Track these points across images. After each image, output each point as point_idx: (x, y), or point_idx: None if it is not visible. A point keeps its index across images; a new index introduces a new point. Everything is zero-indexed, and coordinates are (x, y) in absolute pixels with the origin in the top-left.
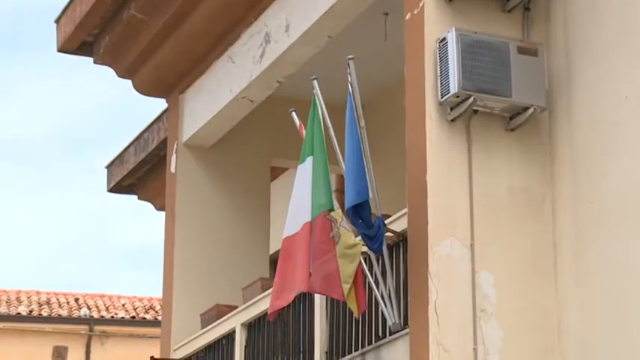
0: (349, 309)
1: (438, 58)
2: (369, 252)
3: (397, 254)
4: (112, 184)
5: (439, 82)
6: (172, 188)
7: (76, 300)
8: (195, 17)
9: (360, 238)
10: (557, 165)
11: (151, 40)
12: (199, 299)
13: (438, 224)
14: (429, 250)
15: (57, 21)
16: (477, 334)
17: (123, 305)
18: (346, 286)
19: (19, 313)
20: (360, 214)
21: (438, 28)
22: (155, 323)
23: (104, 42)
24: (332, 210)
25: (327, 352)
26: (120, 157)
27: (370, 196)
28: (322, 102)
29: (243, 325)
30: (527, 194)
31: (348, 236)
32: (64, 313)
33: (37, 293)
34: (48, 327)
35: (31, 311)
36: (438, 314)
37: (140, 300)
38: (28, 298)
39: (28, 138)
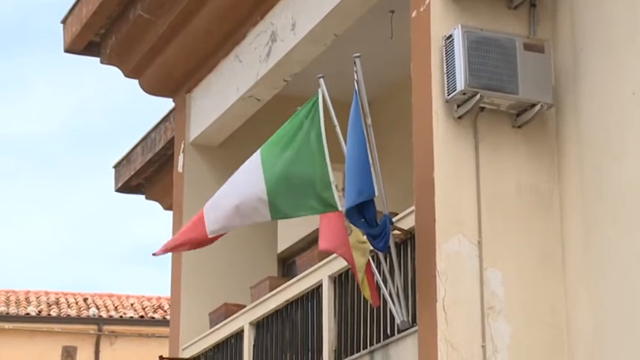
0: (357, 307)
1: (445, 55)
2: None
3: (405, 252)
4: (119, 184)
5: (445, 80)
6: (180, 187)
7: (85, 300)
8: (202, 16)
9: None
10: (565, 161)
11: (157, 40)
12: (207, 298)
13: (446, 222)
14: (436, 248)
15: (63, 21)
16: (486, 332)
17: (131, 305)
18: (360, 275)
19: (28, 314)
20: (363, 212)
21: (444, 26)
22: (164, 323)
23: (111, 42)
24: (336, 209)
25: (335, 351)
26: (127, 157)
27: (376, 194)
28: (329, 100)
29: (251, 324)
30: (534, 191)
31: (358, 231)
32: (73, 313)
33: (46, 293)
34: (57, 327)
35: (40, 311)
36: (446, 312)
37: (149, 299)
38: (37, 298)
39: (37, 136)
